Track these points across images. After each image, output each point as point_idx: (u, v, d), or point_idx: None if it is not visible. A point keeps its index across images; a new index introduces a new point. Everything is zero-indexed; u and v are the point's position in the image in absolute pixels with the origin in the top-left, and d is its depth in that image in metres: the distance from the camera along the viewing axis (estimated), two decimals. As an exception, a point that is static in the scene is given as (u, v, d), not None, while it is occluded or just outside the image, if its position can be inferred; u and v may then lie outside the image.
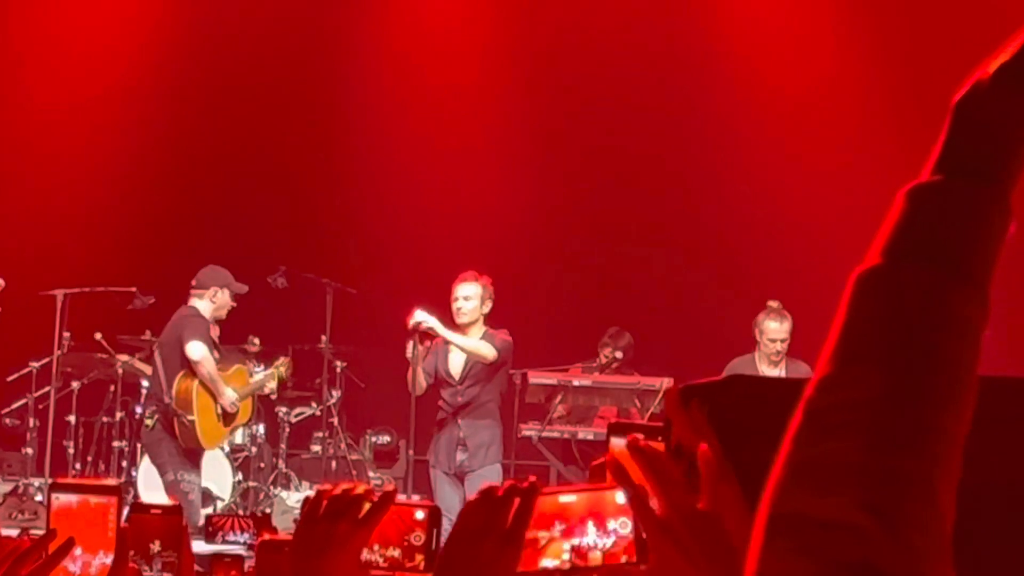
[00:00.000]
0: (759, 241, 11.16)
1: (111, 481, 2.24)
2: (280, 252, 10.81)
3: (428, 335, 8.16)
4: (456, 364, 8.24)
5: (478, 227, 11.24)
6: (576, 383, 9.34)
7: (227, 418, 8.68)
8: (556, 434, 9.36)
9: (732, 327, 10.79)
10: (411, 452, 8.78)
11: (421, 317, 8.01)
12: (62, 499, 2.08)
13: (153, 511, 2.27)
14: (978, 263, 0.87)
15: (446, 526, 1.83)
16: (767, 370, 8.56)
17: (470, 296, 8.13)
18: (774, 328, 8.52)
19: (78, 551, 2.03)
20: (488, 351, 8.12)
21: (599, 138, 11.49)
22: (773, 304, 8.61)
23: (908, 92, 10.00)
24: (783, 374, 8.51)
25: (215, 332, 8.69)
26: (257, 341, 10.45)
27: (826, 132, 10.75)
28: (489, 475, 8.01)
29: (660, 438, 1.33)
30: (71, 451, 9.90)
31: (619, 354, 9.83)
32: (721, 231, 11.35)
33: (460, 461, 8.12)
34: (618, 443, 1.58)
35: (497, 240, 10.89)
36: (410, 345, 8.11)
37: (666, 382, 9.16)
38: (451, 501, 7.91)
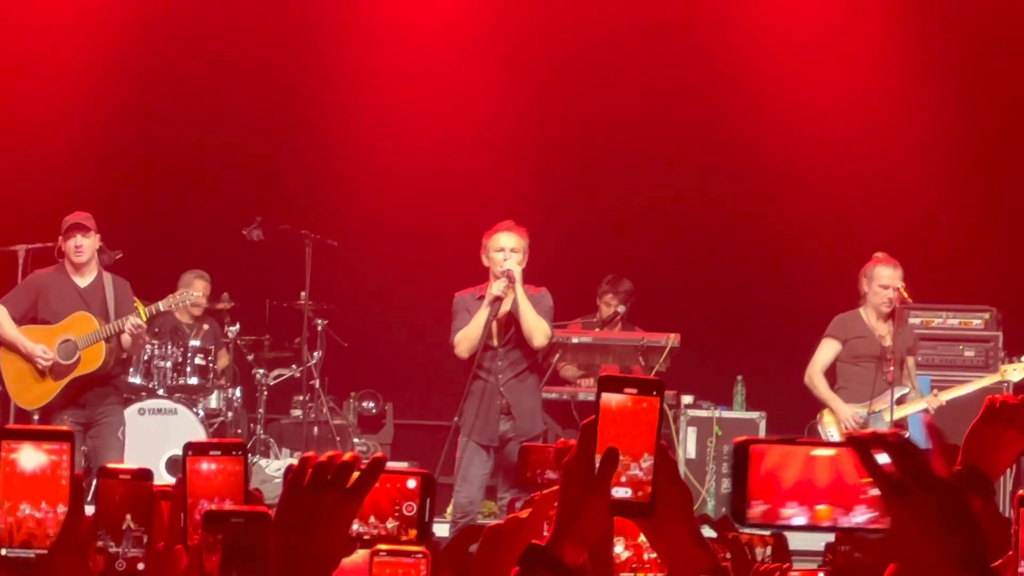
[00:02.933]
0: (772, 188, 11.17)
1: (63, 427, 2.24)
2: (255, 202, 10.74)
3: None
4: (498, 325, 7.87)
5: (466, 174, 11.19)
6: (576, 340, 9.32)
7: (57, 372, 8.29)
8: (554, 395, 9.36)
9: (741, 280, 10.84)
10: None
11: (512, 265, 7.66)
12: (14, 448, 2.09)
13: (122, 476, 2.26)
14: None
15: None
16: (876, 324, 8.52)
17: (516, 248, 7.76)
18: (887, 274, 8.44)
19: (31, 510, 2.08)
20: (545, 333, 7.81)
21: (597, 90, 11.50)
22: (880, 255, 8.55)
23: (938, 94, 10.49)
24: (891, 329, 8.51)
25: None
26: (227, 296, 10.45)
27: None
28: None
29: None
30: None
31: (621, 308, 9.76)
32: (731, 172, 11.32)
33: (504, 431, 7.86)
34: (609, 399, 1.64)
35: (486, 186, 10.82)
36: (498, 288, 7.65)
37: (672, 338, 9.17)
38: (477, 472, 7.84)
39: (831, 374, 8.67)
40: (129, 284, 8.47)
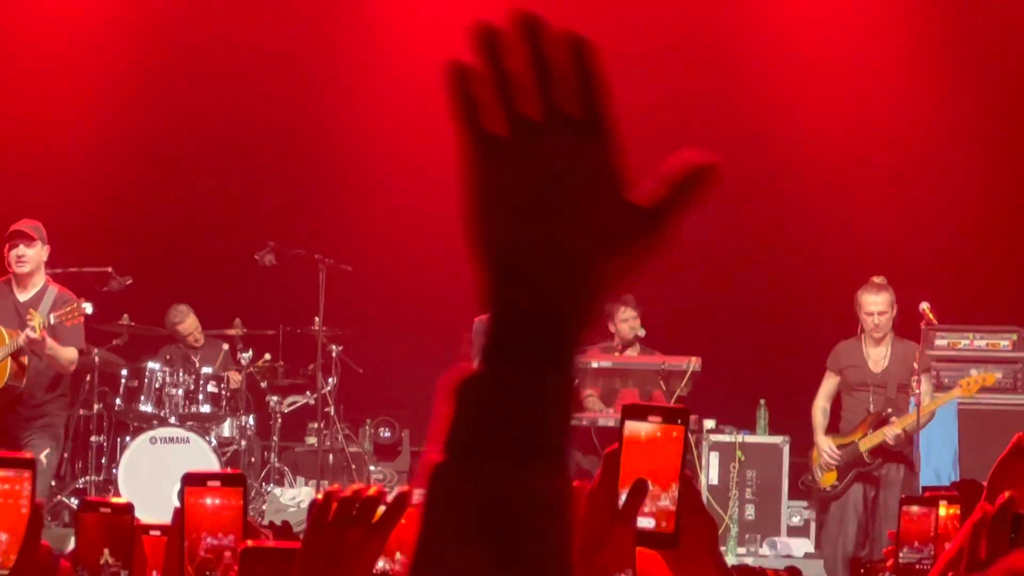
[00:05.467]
0: (794, 207, 11.18)
1: (26, 454, 2.19)
2: (268, 226, 10.81)
3: None
4: None
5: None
6: (595, 364, 9.32)
7: None
8: (573, 421, 9.23)
9: (763, 301, 10.82)
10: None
11: None
12: None
13: (102, 509, 2.28)
14: (543, 444, 0.98)
15: None
16: (871, 350, 8.65)
17: None
18: (870, 300, 8.59)
19: None
20: None
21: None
22: (876, 279, 8.67)
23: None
24: (888, 352, 8.64)
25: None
26: (239, 323, 10.49)
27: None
28: None
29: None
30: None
31: (642, 331, 9.68)
32: (752, 190, 11.30)
33: None
34: (634, 427, 1.64)
35: None
36: None
37: (693, 362, 9.25)
38: None
39: (838, 405, 8.84)
40: (74, 298, 7.95)
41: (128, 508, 2.31)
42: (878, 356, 8.68)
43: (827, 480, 8.63)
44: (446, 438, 0.98)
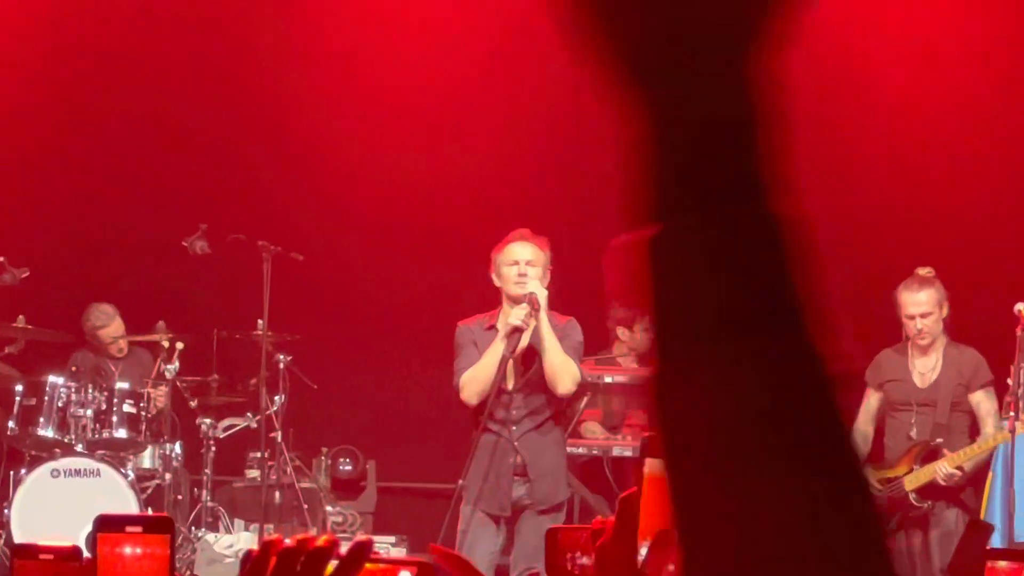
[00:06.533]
0: (855, 186, 11.19)
1: None
2: (199, 206, 10.85)
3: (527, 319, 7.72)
4: (513, 364, 7.87)
5: (470, 177, 11.27)
6: (608, 380, 9.36)
7: None
8: (581, 451, 9.37)
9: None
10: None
11: (535, 288, 7.68)
12: None
13: (42, 556, 2.29)
14: None
15: None
16: (918, 360, 8.75)
17: (534, 261, 7.78)
18: (910, 300, 8.66)
19: None
20: (573, 377, 7.80)
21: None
22: (920, 271, 8.71)
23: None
24: (938, 363, 8.73)
25: None
26: (163, 326, 10.47)
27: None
28: (555, 522, 7.76)
29: None
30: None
31: None
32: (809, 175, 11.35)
33: (518, 497, 7.89)
34: (658, 465, 1.48)
35: (495, 192, 10.96)
36: (518, 316, 7.65)
37: None
38: (486, 549, 7.79)
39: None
40: None
41: (75, 553, 2.33)
42: (925, 368, 8.74)
43: None
44: None
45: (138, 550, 2.20)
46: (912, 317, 8.62)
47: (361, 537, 1.89)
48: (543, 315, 7.69)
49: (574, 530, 2.85)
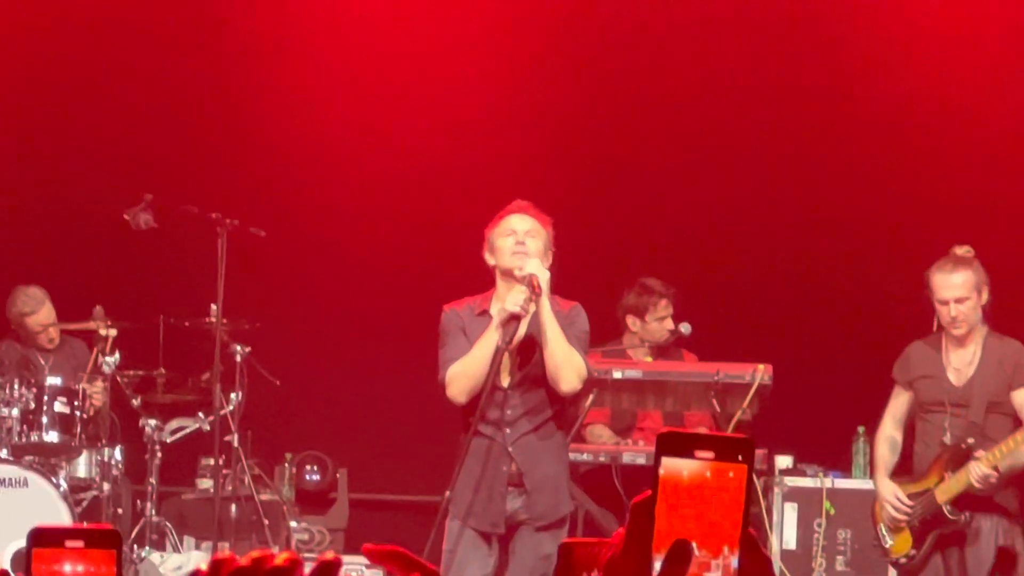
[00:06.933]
0: (892, 174, 11.51)
1: None
2: (144, 174, 10.83)
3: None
4: (508, 356, 7.71)
5: (458, 146, 11.39)
6: (617, 375, 9.27)
7: None
8: (586, 457, 9.42)
9: (854, 292, 11.07)
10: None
11: (535, 268, 7.51)
12: None
13: None
14: None
15: None
16: (953, 354, 8.60)
17: (533, 233, 7.63)
18: (942, 282, 8.46)
19: None
20: (578, 372, 7.64)
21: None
22: (957, 250, 8.61)
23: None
24: (976, 357, 8.57)
25: None
26: (101, 312, 10.42)
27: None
28: (556, 540, 7.72)
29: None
30: None
31: (685, 326, 9.82)
32: (839, 153, 11.44)
33: (514, 510, 7.72)
34: (674, 466, 1.67)
35: (487, 162, 11.03)
36: (515, 301, 7.47)
37: (760, 371, 9.20)
38: (475, 574, 7.70)
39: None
40: None
41: None
42: (961, 362, 8.58)
43: (900, 547, 8.55)
44: None
45: (79, 568, 2.05)
46: (945, 302, 8.43)
47: (327, 556, 1.83)
48: (544, 299, 7.54)
49: (592, 545, 2.74)
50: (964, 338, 8.49)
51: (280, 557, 1.78)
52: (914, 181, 11.37)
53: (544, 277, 7.50)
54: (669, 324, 9.80)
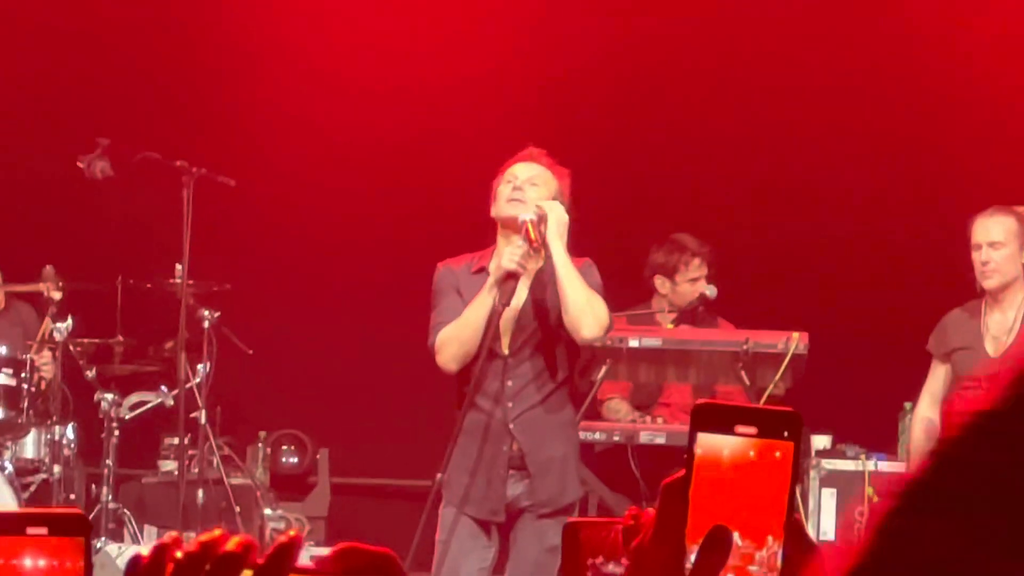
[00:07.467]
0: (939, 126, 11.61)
1: None
2: (100, 117, 11.02)
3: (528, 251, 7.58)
4: (508, 319, 7.67)
5: (443, 79, 11.57)
6: (635, 343, 9.30)
7: None
8: (599, 436, 9.41)
9: (899, 253, 11.14)
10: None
11: (547, 208, 7.49)
12: None
13: None
14: None
15: None
16: (991, 318, 8.78)
17: (539, 182, 7.61)
18: (977, 227, 8.67)
19: None
20: (600, 321, 7.58)
21: None
22: (1018, 208, 8.82)
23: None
24: (1017, 322, 8.74)
25: None
26: (51, 272, 10.51)
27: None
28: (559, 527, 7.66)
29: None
30: None
31: (711, 289, 9.87)
32: (876, 105, 11.44)
33: (515, 496, 7.71)
34: (712, 443, 1.68)
35: (469, 102, 11.27)
36: (512, 256, 7.47)
37: (796, 340, 9.26)
38: (472, 566, 7.69)
39: None
40: None
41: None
42: (1000, 329, 8.80)
43: None
44: None
45: (41, 562, 2.07)
46: (978, 247, 8.64)
47: (281, 538, 1.78)
48: (557, 242, 7.46)
49: (599, 526, 2.71)
50: (1003, 299, 8.66)
51: (232, 541, 1.76)
52: (978, 143, 11.36)
53: (556, 214, 7.46)
54: (703, 286, 9.83)
